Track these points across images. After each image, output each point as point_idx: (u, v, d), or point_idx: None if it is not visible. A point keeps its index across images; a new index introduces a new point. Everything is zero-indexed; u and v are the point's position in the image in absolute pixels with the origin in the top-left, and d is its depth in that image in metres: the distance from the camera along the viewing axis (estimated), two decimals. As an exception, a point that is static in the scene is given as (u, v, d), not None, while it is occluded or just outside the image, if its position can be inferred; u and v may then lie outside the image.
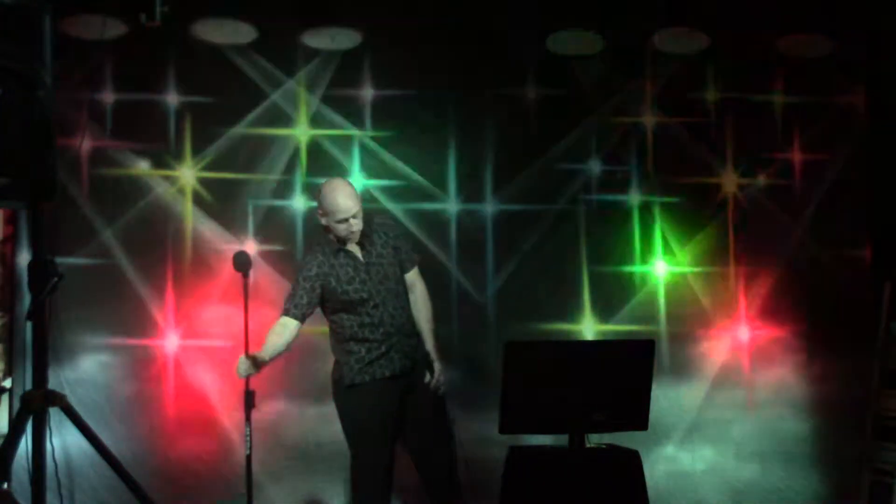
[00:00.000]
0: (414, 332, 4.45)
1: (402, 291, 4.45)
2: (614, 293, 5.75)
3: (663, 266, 5.83)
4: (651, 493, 4.46)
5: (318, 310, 4.39)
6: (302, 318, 4.35)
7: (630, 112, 5.87)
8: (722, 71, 5.90)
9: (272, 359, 4.30)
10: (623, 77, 5.86)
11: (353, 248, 4.38)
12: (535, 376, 4.30)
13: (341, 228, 4.28)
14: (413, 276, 4.50)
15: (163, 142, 5.51)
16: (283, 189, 5.60)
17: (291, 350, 5.44)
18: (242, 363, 4.22)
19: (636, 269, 5.81)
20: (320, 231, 4.42)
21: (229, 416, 5.32)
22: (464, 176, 5.71)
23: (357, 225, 4.29)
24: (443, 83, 5.65)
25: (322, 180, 5.50)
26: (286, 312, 4.35)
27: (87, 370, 5.33)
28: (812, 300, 5.82)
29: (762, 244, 5.87)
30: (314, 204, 5.55)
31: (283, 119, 5.62)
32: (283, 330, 4.33)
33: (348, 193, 4.28)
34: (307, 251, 4.40)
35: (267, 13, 5.56)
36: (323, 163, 5.62)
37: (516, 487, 4.40)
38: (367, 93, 5.68)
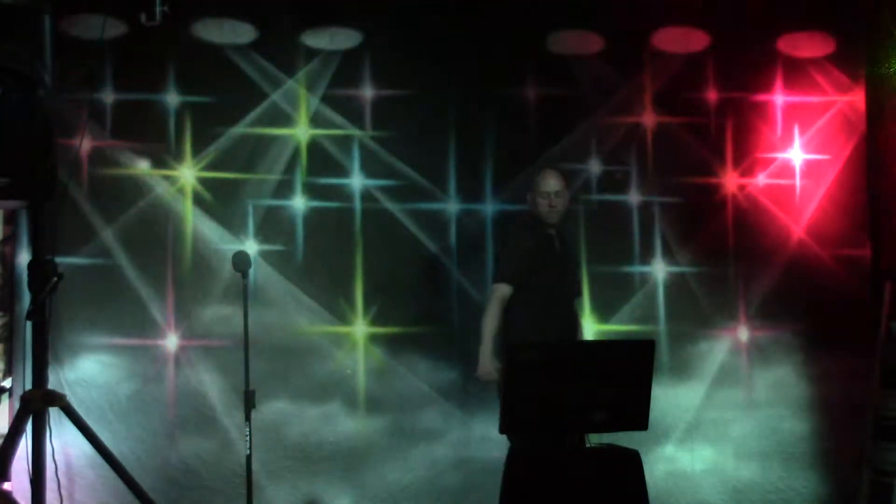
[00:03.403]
0: None
1: None
2: (614, 293, 5.74)
3: (663, 266, 5.83)
4: (651, 493, 4.46)
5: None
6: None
7: (630, 112, 5.87)
8: (722, 71, 5.90)
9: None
10: (623, 77, 5.86)
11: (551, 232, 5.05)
12: (535, 376, 4.30)
13: (543, 203, 4.96)
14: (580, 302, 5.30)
15: (163, 142, 5.51)
16: (283, 189, 5.60)
17: (291, 350, 5.50)
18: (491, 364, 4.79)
19: (636, 269, 5.81)
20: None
21: (229, 416, 5.32)
22: (464, 176, 5.71)
23: (559, 204, 4.97)
24: (443, 83, 5.65)
25: (322, 180, 5.60)
26: (504, 279, 4.90)
27: (87, 370, 5.32)
28: (812, 300, 5.82)
29: (762, 244, 5.87)
30: (314, 204, 5.61)
31: (283, 119, 5.62)
32: (501, 305, 4.88)
33: (556, 175, 5.03)
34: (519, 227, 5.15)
35: (267, 13, 5.56)
36: (323, 163, 5.62)
37: (516, 488, 4.40)
38: (367, 93, 5.68)
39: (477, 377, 4.88)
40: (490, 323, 4.86)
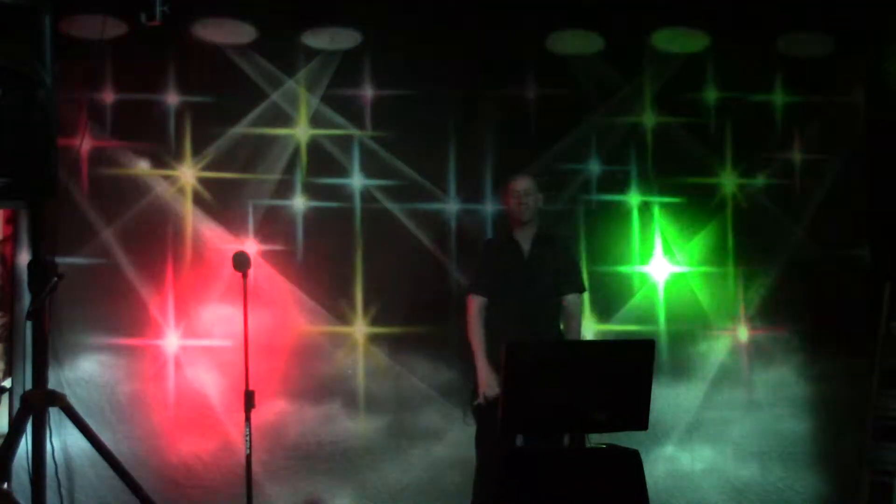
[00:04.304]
0: None
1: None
2: (614, 293, 5.75)
3: (663, 266, 5.83)
4: (651, 493, 4.46)
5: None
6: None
7: (630, 112, 5.87)
8: (722, 71, 5.90)
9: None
10: (623, 77, 5.86)
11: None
12: (535, 376, 4.30)
13: (512, 202, 5.08)
14: (572, 299, 5.13)
15: (163, 142, 5.51)
16: (283, 189, 5.60)
17: (291, 350, 5.49)
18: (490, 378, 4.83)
19: (635, 269, 5.82)
20: None
21: (229, 416, 5.32)
22: (464, 176, 5.71)
23: (528, 202, 5.05)
24: (443, 83, 5.65)
25: (322, 180, 5.60)
26: (469, 290, 5.13)
27: (87, 370, 5.32)
28: (812, 300, 5.82)
29: (762, 244, 5.87)
30: (314, 204, 5.61)
31: (283, 119, 5.62)
32: (476, 316, 5.04)
33: (526, 178, 5.15)
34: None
35: (267, 13, 5.56)
36: (323, 163, 5.62)
37: (516, 488, 4.40)
38: (367, 93, 5.68)
39: (479, 403, 4.91)
40: (472, 337, 4.99)
